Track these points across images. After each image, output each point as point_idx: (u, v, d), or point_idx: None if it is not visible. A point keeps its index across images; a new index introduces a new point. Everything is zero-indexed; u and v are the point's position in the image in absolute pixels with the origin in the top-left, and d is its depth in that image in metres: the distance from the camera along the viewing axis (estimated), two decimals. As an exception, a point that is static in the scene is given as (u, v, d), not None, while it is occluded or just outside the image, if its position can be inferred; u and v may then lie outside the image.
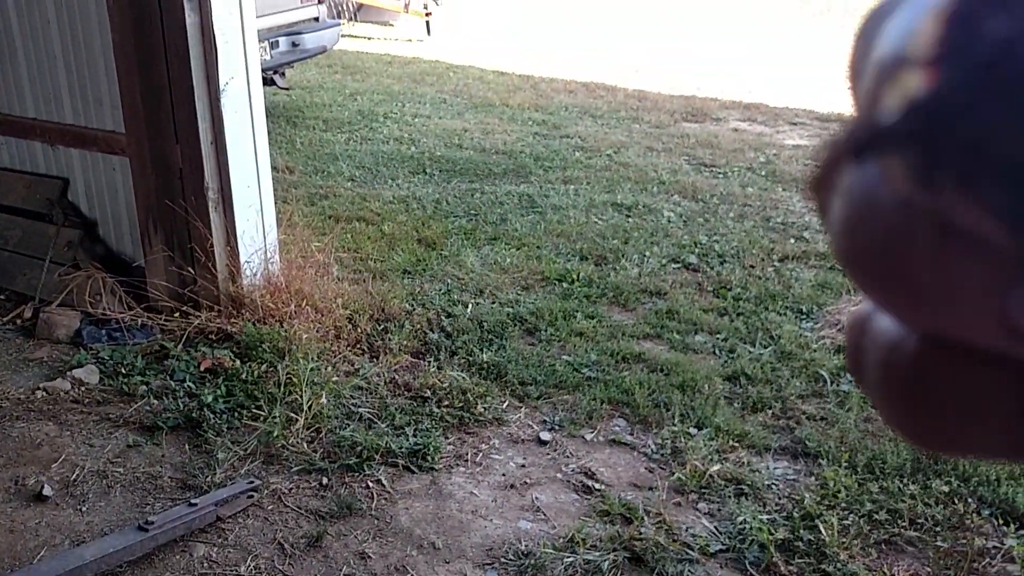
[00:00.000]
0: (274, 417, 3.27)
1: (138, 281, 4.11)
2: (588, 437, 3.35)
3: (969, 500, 2.93)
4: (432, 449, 3.18)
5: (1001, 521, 2.87)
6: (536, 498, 2.99)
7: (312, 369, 3.51)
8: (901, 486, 3.02)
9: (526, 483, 3.08)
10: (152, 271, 4.07)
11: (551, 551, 2.70)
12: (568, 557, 2.67)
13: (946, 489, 3.00)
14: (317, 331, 3.84)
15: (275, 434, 3.20)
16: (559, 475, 3.13)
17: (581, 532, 2.77)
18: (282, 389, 3.42)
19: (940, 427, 0.22)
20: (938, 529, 2.82)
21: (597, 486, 3.06)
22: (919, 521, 2.86)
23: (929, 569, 2.66)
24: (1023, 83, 0.17)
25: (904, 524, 2.84)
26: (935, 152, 0.19)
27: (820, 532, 2.77)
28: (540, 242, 5.38)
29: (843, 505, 2.93)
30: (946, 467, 3.13)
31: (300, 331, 3.71)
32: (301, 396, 3.36)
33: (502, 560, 2.68)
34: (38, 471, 3.03)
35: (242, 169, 3.90)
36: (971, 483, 3.04)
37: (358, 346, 3.93)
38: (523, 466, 3.18)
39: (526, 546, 2.73)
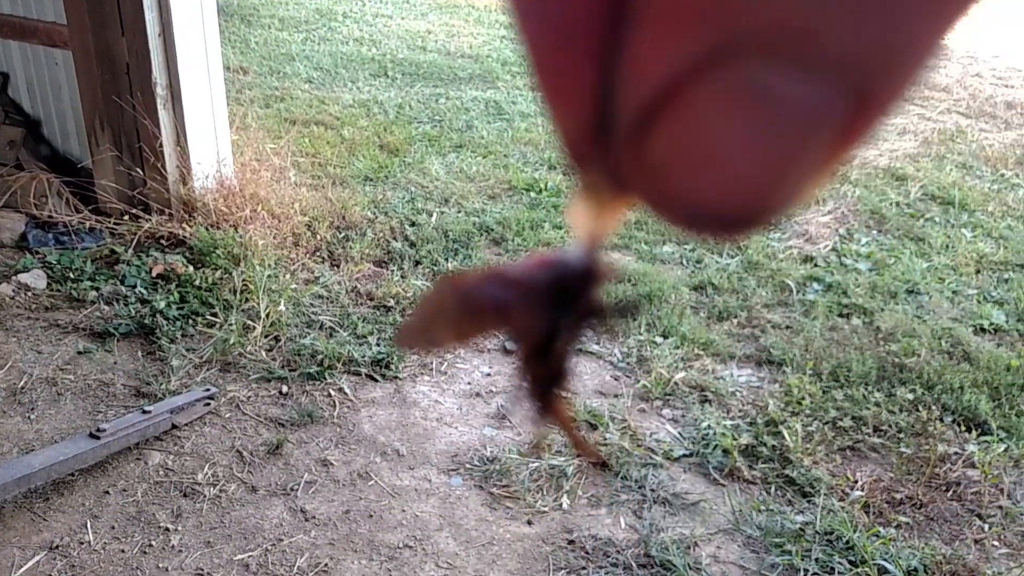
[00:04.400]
0: (230, 324, 3.16)
1: (85, 182, 3.91)
2: (554, 345, 3.30)
3: (932, 408, 2.95)
4: (396, 358, 3.12)
5: (963, 428, 2.90)
6: (502, 406, 2.95)
7: (269, 276, 3.40)
8: (866, 394, 3.03)
9: (491, 391, 3.03)
10: (100, 172, 3.87)
11: (516, 456, 2.67)
12: (533, 462, 2.64)
13: (910, 397, 3.01)
14: (274, 237, 3.70)
15: (232, 342, 3.10)
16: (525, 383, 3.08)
17: (547, 438, 2.74)
18: (238, 296, 3.31)
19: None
20: (901, 436, 2.84)
21: (563, 394, 3.02)
22: (883, 428, 2.87)
23: (891, 475, 2.68)
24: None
25: (868, 431, 2.86)
26: None
27: (784, 438, 2.77)
28: (507, 150, 5.24)
29: (807, 412, 2.94)
30: (911, 375, 3.15)
31: (256, 237, 3.57)
32: (258, 303, 3.25)
33: (467, 466, 2.65)
34: (-17, 378, 2.91)
35: (192, 65, 3.68)
36: (935, 391, 3.06)
37: (317, 254, 3.81)
38: (488, 375, 3.13)
39: (491, 452, 2.70)
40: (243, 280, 3.35)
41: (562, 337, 0.24)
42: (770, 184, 0.20)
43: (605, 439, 2.74)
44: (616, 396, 3.02)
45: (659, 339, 3.35)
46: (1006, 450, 2.79)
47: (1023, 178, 5.36)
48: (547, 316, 0.23)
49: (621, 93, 0.20)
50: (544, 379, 0.25)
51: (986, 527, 2.49)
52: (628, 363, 3.21)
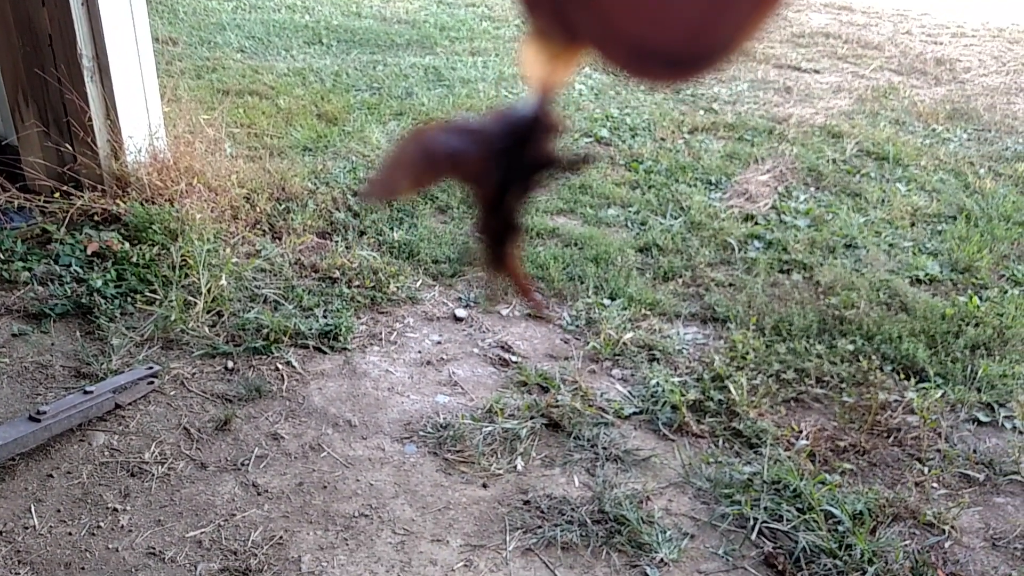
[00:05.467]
0: (170, 301, 3.09)
1: (11, 160, 3.76)
2: (504, 312, 3.31)
3: (873, 357, 3.03)
4: (344, 329, 3.08)
5: (902, 376, 2.99)
6: (453, 373, 2.95)
7: (209, 250, 3.32)
8: (807, 346, 3.10)
9: (443, 359, 3.03)
10: (26, 148, 3.73)
11: (470, 422, 2.67)
12: (487, 427, 2.65)
13: (851, 348, 3.09)
14: (212, 211, 3.62)
15: (173, 318, 3.03)
16: (476, 350, 3.09)
17: (499, 403, 2.75)
18: (177, 272, 3.23)
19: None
20: (843, 386, 2.91)
21: (514, 359, 3.03)
22: (825, 379, 2.95)
23: (835, 424, 2.76)
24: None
25: (811, 382, 2.93)
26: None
27: (730, 392, 2.82)
28: (448, 117, 5.19)
29: (752, 366, 2.99)
30: (851, 327, 3.23)
31: (193, 211, 3.48)
32: (199, 279, 3.18)
33: (420, 433, 2.65)
34: (-88, 366, 2.80)
35: (119, 35, 3.55)
36: (875, 341, 3.14)
37: (258, 227, 3.74)
38: (439, 343, 3.12)
39: (444, 419, 2.70)
40: (182, 255, 3.28)
41: (514, 189, 0.24)
42: (711, 20, 0.20)
43: (557, 400, 2.76)
44: (567, 359, 3.04)
45: (607, 301, 3.38)
46: (943, 395, 2.88)
47: (953, 132, 5.50)
48: (499, 164, 0.23)
49: None
50: (497, 233, 0.25)
51: (926, 470, 2.57)
52: (577, 326, 3.23)
